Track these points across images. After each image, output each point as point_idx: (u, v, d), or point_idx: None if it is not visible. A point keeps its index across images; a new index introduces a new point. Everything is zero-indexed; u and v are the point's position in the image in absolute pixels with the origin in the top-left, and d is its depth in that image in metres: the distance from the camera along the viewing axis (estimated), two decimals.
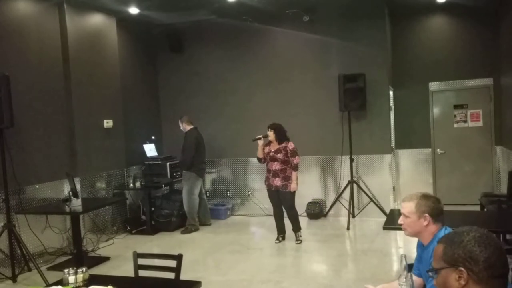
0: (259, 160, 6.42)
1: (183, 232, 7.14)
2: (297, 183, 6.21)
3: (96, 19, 6.90)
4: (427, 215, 2.46)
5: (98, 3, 6.69)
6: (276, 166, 6.17)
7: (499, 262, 1.44)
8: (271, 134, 6.22)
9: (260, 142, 6.32)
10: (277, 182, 6.18)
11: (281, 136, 6.22)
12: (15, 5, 5.75)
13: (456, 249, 1.48)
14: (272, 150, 6.23)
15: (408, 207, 2.52)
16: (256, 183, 8.12)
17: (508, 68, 7.10)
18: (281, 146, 6.19)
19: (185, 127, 7.29)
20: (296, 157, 6.17)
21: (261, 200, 7.85)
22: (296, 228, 6.34)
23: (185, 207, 7.22)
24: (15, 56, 5.69)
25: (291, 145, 6.19)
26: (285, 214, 6.40)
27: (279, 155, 6.15)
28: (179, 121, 7.35)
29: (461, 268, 1.45)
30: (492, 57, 7.76)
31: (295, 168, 6.17)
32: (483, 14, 7.73)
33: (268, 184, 6.31)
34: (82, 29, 6.62)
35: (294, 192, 6.24)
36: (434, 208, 2.47)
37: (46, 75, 6.13)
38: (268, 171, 6.28)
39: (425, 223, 2.46)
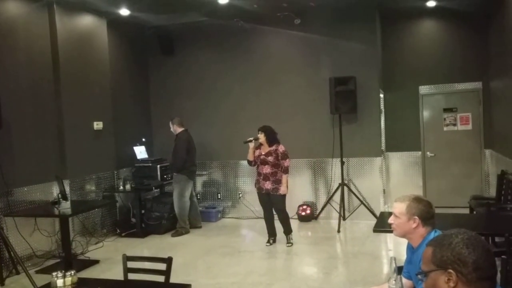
0: (250, 163, 6.41)
1: (173, 235, 7.10)
2: (287, 186, 6.21)
3: (86, 20, 6.86)
4: (416, 217, 2.47)
5: (88, 4, 6.65)
6: (266, 169, 6.17)
7: (487, 264, 1.45)
8: (261, 137, 6.21)
9: (251, 145, 6.31)
10: (268, 185, 6.17)
11: (272, 139, 6.21)
12: (4, 6, 5.69)
13: (444, 252, 1.48)
14: (263, 153, 6.22)
15: (399, 208, 2.54)
16: (247, 185, 8.11)
17: (497, 72, 7.18)
18: (271, 148, 6.18)
19: (176, 129, 7.26)
20: (287, 160, 6.17)
21: (252, 202, 7.83)
22: (287, 230, 6.34)
23: (175, 209, 7.19)
24: (4, 57, 5.63)
25: (281, 148, 6.19)
26: (276, 216, 6.40)
27: (270, 158, 6.15)
28: (170, 123, 7.31)
29: (450, 270, 1.46)
30: (481, 61, 7.84)
31: (286, 171, 6.17)
32: (472, 18, 7.81)
33: (258, 187, 6.30)
34: (72, 30, 6.58)
35: (285, 195, 6.24)
36: (424, 212, 2.48)
37: (36, 76, 6.08)
38: (259, 174, 6.27)
39: (414, 225, 2.48)
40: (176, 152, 7.16)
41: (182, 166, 7.11)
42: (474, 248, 1.45)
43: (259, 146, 6.32)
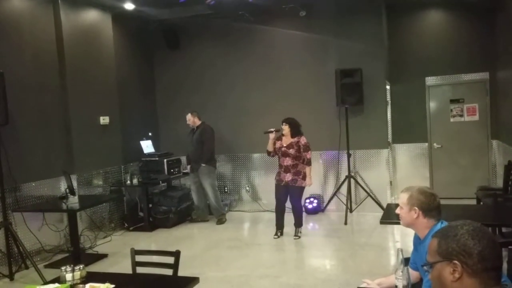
0: (268, 153, 6.41)
1: (218, 223, 7.31)
2: (311, 178, 6.24)
3: (91, 15, 6.87)
4: (416, 208, 2.49)
5: None
6: (288, 161, 6.17)
7: (492, 255, 1.45)
8: (286, 129, 6.21)
9: (272, 136, 6.29)
10: (288, 177, 6.18)
11: (296, 131, 6.22)
12: (9, 2, 5.71)
13: (450, 243, 1.48)
14: (284, 145, 6.21)
15: (402, 198, 2.58)
16: (254, 179, 8.13)
17: (504, 62, 7.11)
18: (293, 140, 6.17)
19: (196, 121, 7.42)
20: (309, 152, 6.18)
21: (259, 196, 7.85)
22: (298, 223, 6.35)
23: (212, 200, 7.36)
24: (10, 52, 5.66)
25: (303, 140, 6.19)
26: (287, 209, 6.39)
27: (291, 150, 6.14)
28: (190, 115, 7.39)
29: (456, 261, 1.45)
30: (488, 51, 7.77)
31: (309, 163, 6.18)
32: (479, 8, 7.72)
33: (278, 179, 6.31)
34: (77, 25, 6.59)
35: (303, 187, 6.26)
36: (424, 203, 2.48)
37: (41, 71, 6.10)
38: (280, 166, 6.28)
39: (415, 216, 2.50)
40: (204, 143, 7.27)
41: (211, 157, 7.29)
42: (480, 239, 1.45)
43: (280, 137, 6.31)
